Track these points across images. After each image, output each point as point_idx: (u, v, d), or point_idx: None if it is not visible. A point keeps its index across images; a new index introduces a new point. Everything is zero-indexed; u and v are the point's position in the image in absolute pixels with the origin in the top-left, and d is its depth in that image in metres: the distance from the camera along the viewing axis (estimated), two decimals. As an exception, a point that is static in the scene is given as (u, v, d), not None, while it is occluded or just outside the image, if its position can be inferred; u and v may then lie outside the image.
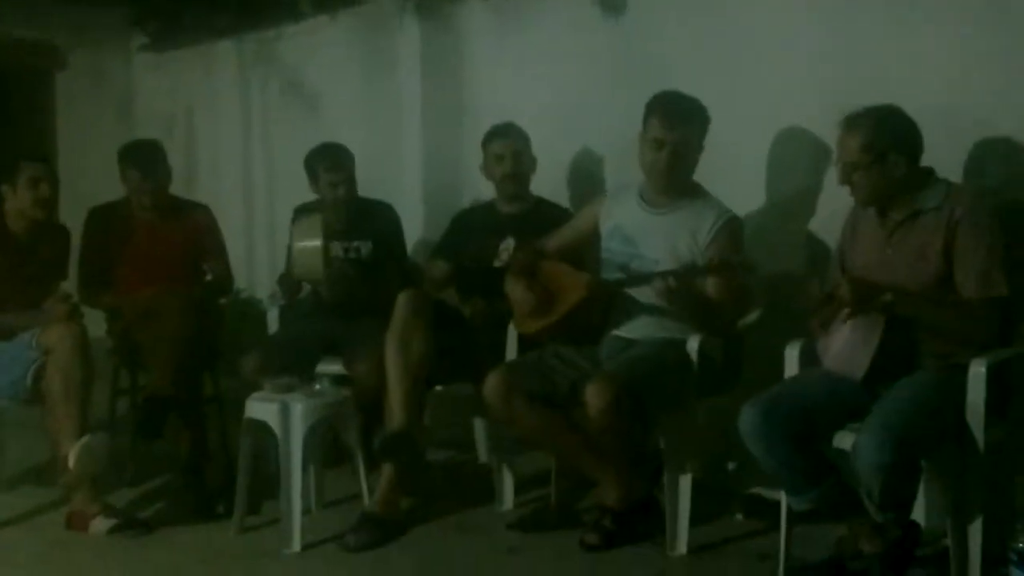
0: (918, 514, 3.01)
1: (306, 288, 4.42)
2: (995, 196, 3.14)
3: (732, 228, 3.47)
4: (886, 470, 2.75)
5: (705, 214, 3.48)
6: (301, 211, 4.40)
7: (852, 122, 3.00)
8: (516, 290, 3.67)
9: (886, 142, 2.95)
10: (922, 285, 2.94)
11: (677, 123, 3.43)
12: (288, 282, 4.26)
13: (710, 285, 3.41)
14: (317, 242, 3.93)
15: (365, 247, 4.30)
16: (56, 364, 3.65)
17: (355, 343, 3.96)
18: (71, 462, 3.57)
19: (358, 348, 3.91)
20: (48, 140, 6.45)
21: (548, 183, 4.27)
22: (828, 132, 3.50)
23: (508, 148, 4.13)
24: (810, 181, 3.72)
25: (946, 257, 2.93)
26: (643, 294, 3.46)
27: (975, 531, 2.85)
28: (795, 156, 3.77)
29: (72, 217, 4.35)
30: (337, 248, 4.23)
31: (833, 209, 3.36)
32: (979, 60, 3.31)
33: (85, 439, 3.57)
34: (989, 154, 3.28)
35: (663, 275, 3.30)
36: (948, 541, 2.90)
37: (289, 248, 4.27)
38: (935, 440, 2.86)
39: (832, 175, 3.19)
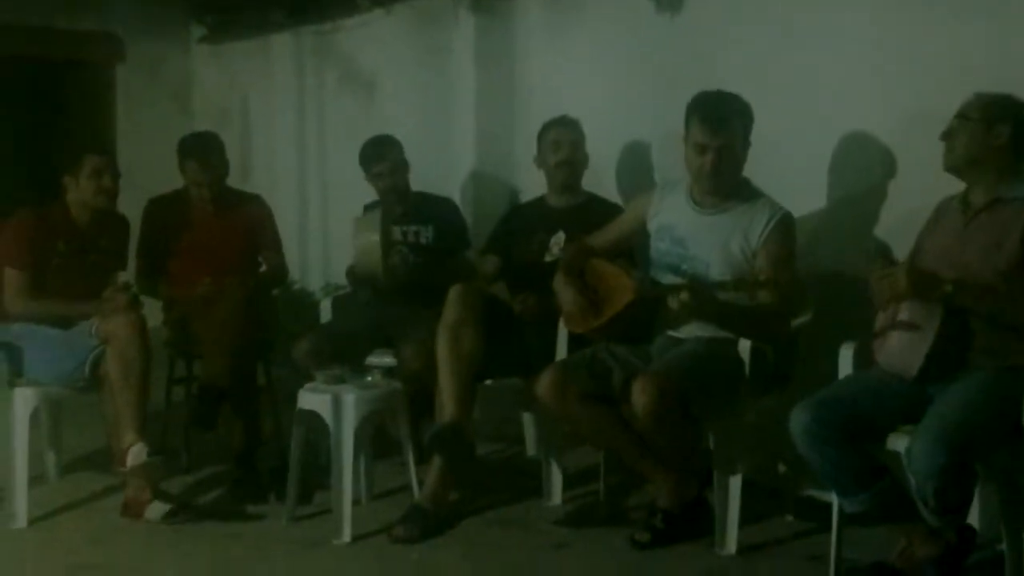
0: (973, 518, 2.96)
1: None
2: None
3: (785, 225, 3.42)
4: (941, 475, 2.71)
5: (757, 213, 3.44)
6: (367, 208, 4.47)
7: (982, 93, 3.00)
8: (565, 292, 3.66)
9: (1000, 112, 2.95)
10: (993, 275, 2.88)
11: (718, 127, 3.38)
12: (355, 274, 4.33)
13: (760, 293, 3.30)
14: (375, 236, 4.00)
15: (426, 233, 4.35)
16: (115, 352, 3.71)
17: (406, 334, 3.99)
18: (129, 462, 3.64)
19: (409, 338, 3.94)
20: (108, 131, 6.55)
21: (598, 178, 4.26)
22: (885, 131, 3.47)
23: (566, 136, 4.14)
24: (872, 184, 3.66)
25: (1022, 248, 2.88)
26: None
27: (1031, 537, 2.81)
28: (856, 158, 3.70)
29: (131, 208, 4.41)
30: (397, 232, 4.28)
31: (902, 213, 3.31)
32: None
33: (147, 458, 3.63)
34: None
35: (675, 288, 3.26)
36: (1003, 546, 2.85)
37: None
38: (990, 444, 2.81)
39: (897, 181, 3.15)
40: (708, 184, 3.47)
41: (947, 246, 3.00)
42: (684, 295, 3.21)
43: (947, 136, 3.02)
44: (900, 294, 2.86)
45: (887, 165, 3.59)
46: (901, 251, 3.25)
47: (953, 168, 3.04)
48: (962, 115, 3.00)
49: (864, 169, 3.67)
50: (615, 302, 3.52)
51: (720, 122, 3.38)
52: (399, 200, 4.39)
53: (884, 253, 3.21)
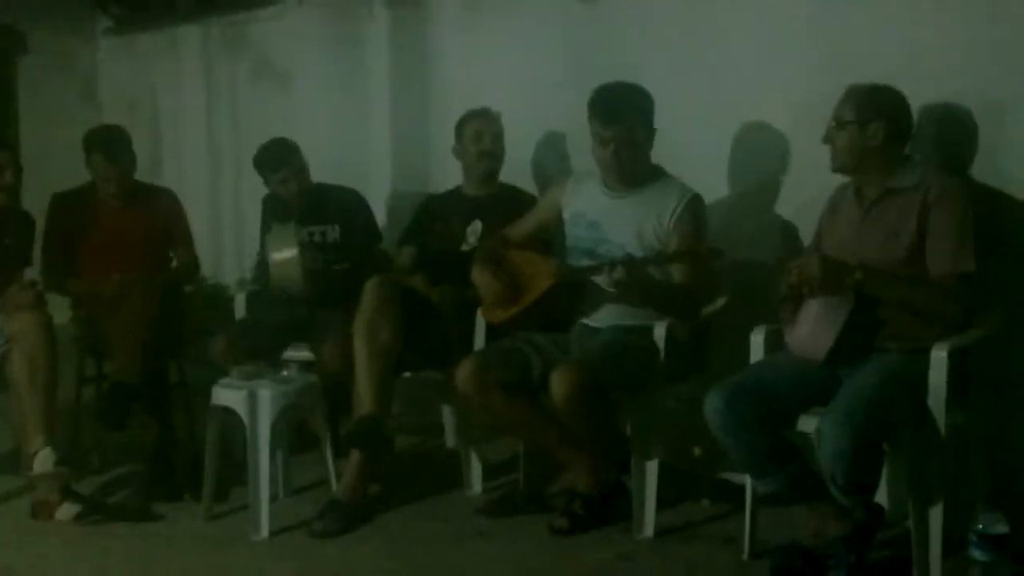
0: (880, 497, 3.04)
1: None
2: (972, 181, 3.17)
3: (695, 207, 3.50)
4: (849, 454, 2.78)
5: (668, 195, 3.51)
6: (268, 201, 4.41)
7: (853, 87, 3.07)
8: (483, 279, 3.67)
9: (874, 110, 3.02)
10: (893, 263, 2.97)
11: (614, 119, 3.45)
12: (259, 276, 4.28)
13: (675, 271, 3.44)
14: (293, 252, 3.96)
15: (332, 232, 4.29)
16: (21, 352, 3.63)
17: (322, 329, 3.95)
18: (36, 468, 3.55)
19: (325, 334, 3.90)
20: (11, 125, 6.37)
21: (514, 170, 4.27)
22: (786, 120, 3.53)
23: (488, 127, 4.14)
24: (774, 171, 3.74)
25: (919, 236, 2.96)
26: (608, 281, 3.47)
27: (936, 514, 2.89)
28: (760, 147, 3.78)
29: (36, 203, 4.31)
30: (303, 233, 4.21)
31: (803, 201, 3.39)
32: (978, 50, 3.30)
33: (53, 466, 3.55)
34: (992, 144, 3.28)
35: (611, 264, 3.32)
36: (910, 523, 2.93)
37: (261, 242, 4.26)
38: (897, 424, 2.89)
39: (797, 169, 3.21)
40: (613, 175, 3.53)
41: (846, 237, 3.08)
42: (619, 272, 3.26)
43: (828, 140, 3.10)
44: (812, 282, 2.93)
45: (787, 153, 3.68)
46: (806, 237, 3.34)
47: (840, 169, 3.13)
48: (837, 120, 3.07)
49: (767, 157, 3.75)
50: (535, 288, 3.54)
51: (615, 114, 3.45)
52: (307, 199, 4.29)
53: (791, 240, 3.27)
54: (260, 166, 4.32)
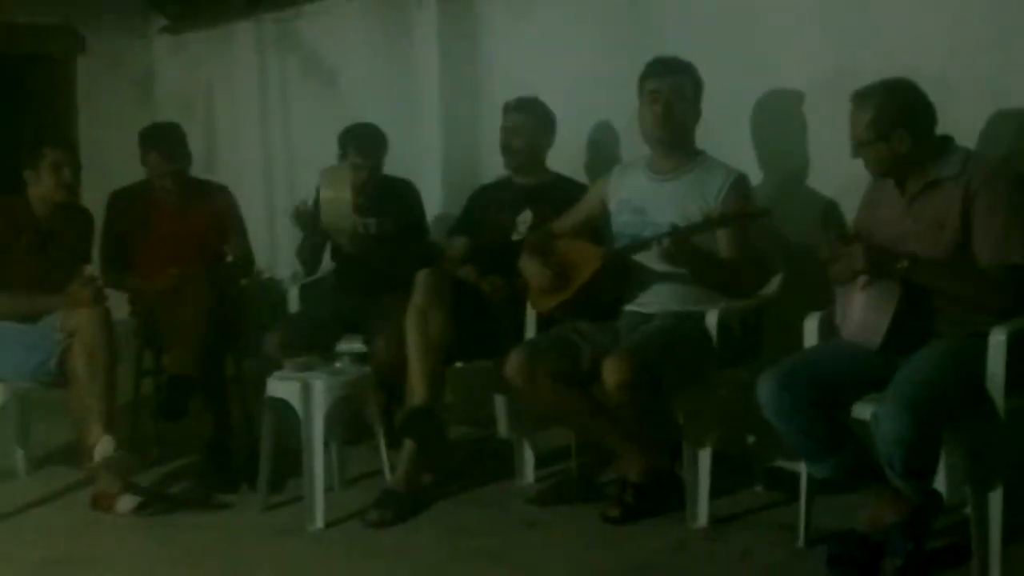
0: (938, 483, 2.99)
1: (327, 266, 4.45)
2: (1012, 165, 3.11)
3: (741, 185, 3.50)
4: (906, 440, 2.74)
5: (713, 176, 3.51)
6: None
7: (860, 98, 2.99)
8: (531, 268, 3.67)
9: (891, 119, 2.94)
10: (940, 254, 2.92)
11: (667, 73, 3.52)
12: (306, 249, 4.29)
13: (721, 241, 3.42)
14: (344, 193, 3.93)
15: (386, 224, 4.31)
16: (81, 346, 3.69)
17: (375, 321, 3.97)
18: (96, 457, 3.61)
19: (378, 325, 3.92)
20: (69, 124, 6.49)
21: (566, 156, 4.26)
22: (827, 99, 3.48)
23: (513, 121, 4.13)
24: (811, 148, 3.72)
25: (964, 225, 2.90)
26: (656, 263, 3.46)
27: (995, 500, 2.84)
28: (792, 122, 3.75)
29: (94, 200, 4.39)
30: (357, 224, 4.23)
31: (852, 175, 3.33)
32: (979, 27, 3.27)
33: (114, 452, 3.61)
34: (992, 124, 3.24)
35: (658, 238, 3.32)
36: (969, 510, 2.88)
37: (316, 195, 4.23)
38: (955, 409, 2.84)
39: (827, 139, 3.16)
40: (660, 134, 3.53)
41: (890, 229, 3.02)
42: (667, 241, 3.28)
43: (856, 156, 3.03)
44: (858, 272, 2.89)
45: (819, 128, 3.66)
46: (848, 212, 3.32)
47: (879, 177, 3.07)
48: (857, 145, 3.00)
49: (803, 135, 3.73)
50: (583, 272, 3.54)
51: (668, 68, 3.53)
52: (361, 189, 4.32)
53: (838, 226, 3.22)
54: (346, 141, 4.28)
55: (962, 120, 3.16)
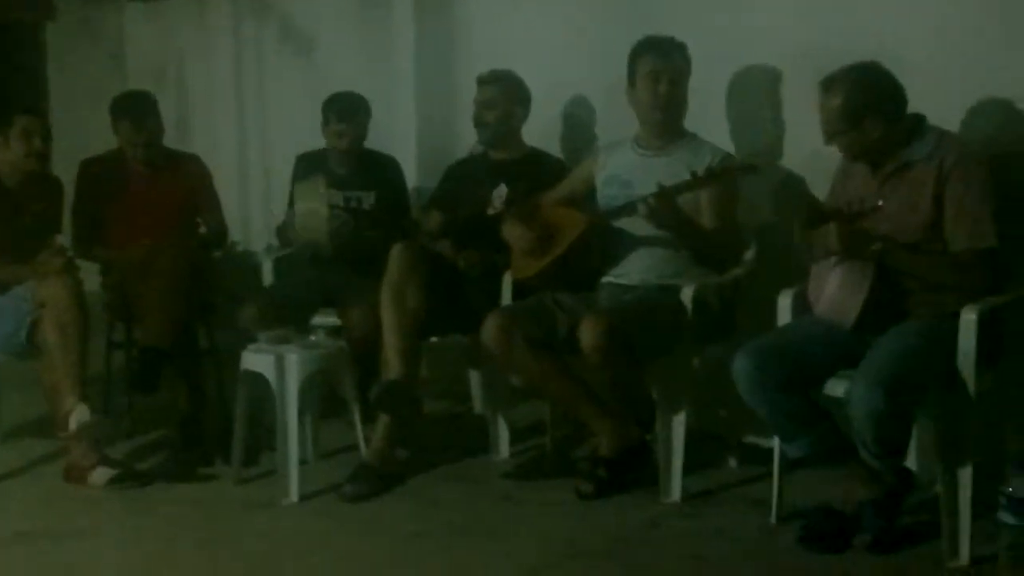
0: (909, 461, 3.03)
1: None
2: (985, 146, 3.13)
3: (727, 163, 3.50)
4: (879, 417, 2.77)
5: (701, 153, 3.54)
6: (302, 160, 4.40)
7: (828, 85, 2.98)
8: (515, 229, 3.68)
9: (861, 106, 2.93)
10: (913, 235, 2.94)
11: (668, 53, 3.53)
12: (286, 234, 4.28)
13: (705, 207, 3.46)
14: (318, 204, 3.96)
15: (367, 198, 4.29)
16: (52, 317, 3.66)
17: (350, 294, 3.96)
18: (71, 425, 3.59)
19: (353, 299, 3.91)
20: (39, 92, 6.39)
21: (540, 131, 4.24)
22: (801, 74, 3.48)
23: (484, 94, 4.10)
24: (778, 123, 3.74)
25: (937, 206, 2.92)
26: (638, 229, 3.47)
27: (965, 476, 2.87)
28: (766, 100, 3.76)
29: (65, 169, 4.33)
30: (338, 197, 4.22)
31: (825, 153, 3.34)
32: (965, 8, 3.27)
33: (90, 417, 3.59)
34: (976, 105, 3.25)
35: (644, 198, 3.34)
36: (939, 487, 2.91)
37: (290, 199, 4.28)
38: (926, 387, 2.87)
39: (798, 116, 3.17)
40: (660, 116, 3.55)
41: (863, 208, 3.01)
42: (652, 199, 3.30)
43: (829, 143, 3.03)
44: (832, 252, 2.90)
45: (783, 102, 3.69)
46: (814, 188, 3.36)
47: (854, 160, 3.07)
48: (829, 133, 2.99)
49: (770, 109, 3.75)
50: (567, 234, 3.55)
51: (671, 49, 3.54)
52: (344, 161, 4.32)
53: (811, 204, 3.23)
54: (329, 109, 4.26)
55: (945, 104, 3.18)
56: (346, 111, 4.24)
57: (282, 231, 4.34)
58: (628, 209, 3.47)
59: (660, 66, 3.52)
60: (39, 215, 4.08)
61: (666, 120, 3.57)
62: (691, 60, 3.57)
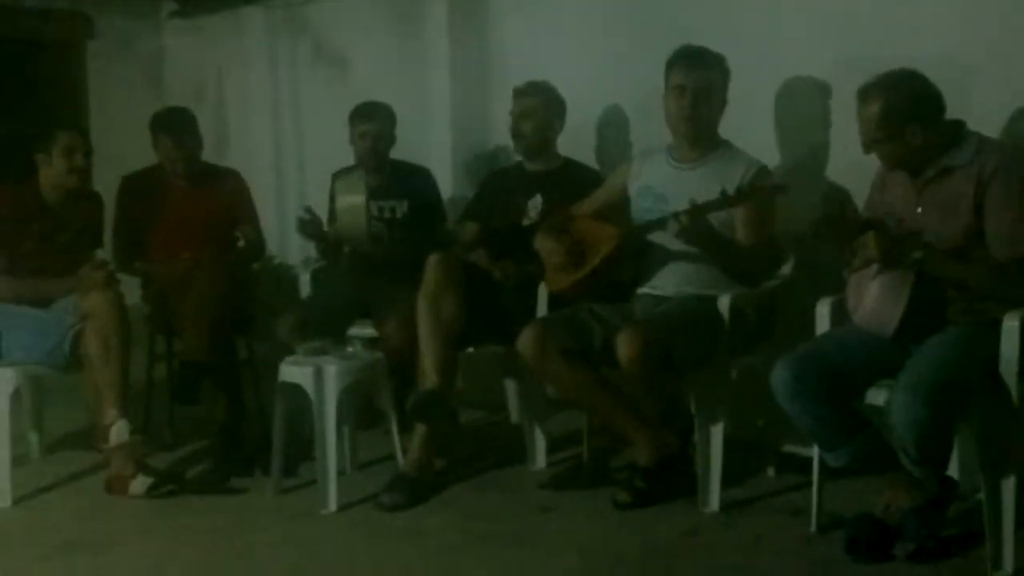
0: (951, 470, 3.00)
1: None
2: (1020, 148, 3.10)
3: (761, 176, 3.49)
4: (921, 426, 2.75)
5: (734, 166, 3.51)
6: (337, 176, 4.46)
7: (866, 95, 2.96)
8: (547, 243, 3.68)
9: (901, 114, 2.91)
10: (953, 242, 2.91)
11: (696, 67, 3.49)
12: (328, 244, 4.33)
13: (739, 223, 3.43)
14: (360, 199, 4.00)
15: (401, 208, 4.33)
16: (94, 330, 3.70)
17: (386, 305, 3.98)
18: (112, 440, 3.63)
19: (389, 310, 3.93)
20: (79, 109, 6.48)
21: (575, 142, 4.25)
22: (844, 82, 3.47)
23: (521, 105, 4.14)
24: (822, 131, 3.72)
25: (977, 213, 2.89)
26: (673, 244, 3.47)
27: (1008, 486, 2.84)
28: (810, 108, 3.75)
29: (105, 185, 4.38)
30: (373, 208, 4.27)
31: (867, 160, 3.33)
32: (1006, 15, 3.26)
33: (130, 437, 3.62)
34: (1018, 111, 3.24)
35: (676, 215, 3.32)
36: (982, 495, 2.88)
37: (330, 209, 4.32)
38: (968, 396, 2.84)
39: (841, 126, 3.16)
40: (685, 128, 3.53)
41: (902, 215, 3.00)
42: (684, 218, 3.28)
43: (869, 152, 3.01)
44: (871, 261, 2.89)
45: (830, 112, 3.67)
46: (856, 197, 3.33)
47: (895, 169, 3.04)
48: (868, 142, 2.97)
49: (814, 119, 3.73)
50: (600, 249, 3.55)
51: (698, 61, 3.49)
52: (376, 170, 4.36)
53: (838, 204, 3.21)
54: (353, 114, 4.38)
55: (985, 107, 3.16)
56: (366, 110, 4.35)
57: (321, 244, 4.37)
58: (659, 224, 3.45)
59: (686, 80, 3.49)
60: (81, 231, 4.13)
61: (694, 133, 3.54)
62: (729, 71, 3.54)
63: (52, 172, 4.00)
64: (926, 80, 2.96)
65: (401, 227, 4.30)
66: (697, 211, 3.31)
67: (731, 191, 3.35)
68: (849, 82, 3.12)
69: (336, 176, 4.46)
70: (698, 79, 3.48)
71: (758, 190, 3.36)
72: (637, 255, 3.57)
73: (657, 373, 3.27)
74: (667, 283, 3.53)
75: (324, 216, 4.50)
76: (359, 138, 4.34)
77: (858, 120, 2.99)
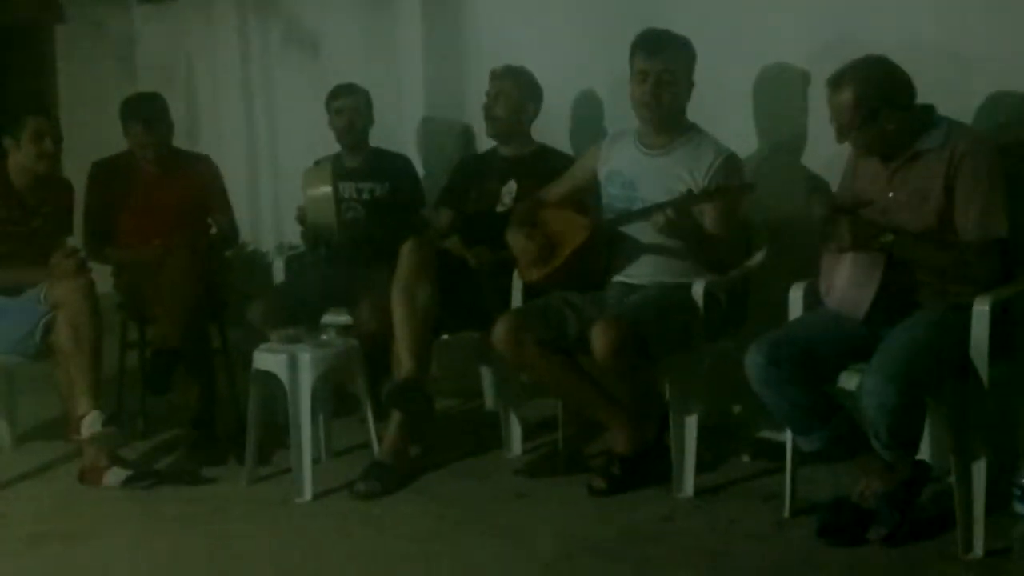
0: (923, 453, 3.02)
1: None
2: (994, 132, 3.12)
3: (730, 165, 3.48)
4: (892, 410, 2.77)
5: (702, 153, 3.49)
6: (306, 171, 4.41)
7: (837, 82, 2.96)
8: (518, 240, 3.67)
9: (874, 99, 2.92)
10: (924, 225, 2.93)
11: (657, 52, 3.47)
12: (310, 235, 4.32)
13: (707, 216, 3.41)
14: (327, 189, 3.98)
15: (380, 189, 4.33)
16: (66, 318, 3.68)
17: (360, 291, 3.96)
18: (84, 432, 3.60)
19: (363, 296, 3.92)
20: (49, 94, 6.42)
21: (549, 126, 4.24)
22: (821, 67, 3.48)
23: (494, 87, 4.13)
24: (801, 118, 3.71)
25: (947, 195, 2.91)
26: (645, 234, 3.46)
27: (979, 468, 2.86)
28: (786, 93, 3.74)
29: (75, 171, 4.34)
30: (350, 189, 4.27)
31: (832, 146, 3.34)
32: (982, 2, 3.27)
33: (102, 428, 3.60)
34: (984, 88, 3.25)
35: (659, 207, 3.31)
36: (953, 479, 2.91)
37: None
38: (939, 379, 2.86)
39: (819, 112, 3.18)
40: (649, 115, 3.51)
41: (873, 199, 3.01)
42: (670, 211, 3.26)
43: (843, 140, 3.02)
44: (843, 245, 2.90)
45: (808, 99, 3.64)
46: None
47: (868, 155, 3.05)
48: (843, 130, 2.97)
49: (792, 105, 3.72)
50: (570, 242, 3.54)
51: (658, 46, 3.48)
52: (353, 151, 4.35)
53: (824, 193, 3.22)
54: (329, 96, 4.43)
55: (967, 93, 3.18)
56: (341, 90, 4.41)
57: (306, 236, 4.38)
58: (640, 215, 3.43)
59: (648, 65, 3.46)
60: (50, 217, 4.09)
61: (658, 118, 3.52)
62: (694, 54, 3.51)
63: (21, 158, 3.97)
64: (895, 65, 2.97)
65: (379, 207, 4.29)
66: (679, 205, 3.28)
67: (697, 190, 3.35)
68: (827, 69, 3.10)
69: (304, 173, 4.43)
70: (659, 64, 3.46)
71: (725, 191, 3.35)
72: (608, 245, 3.56)
73: (633, 365, 3.27)
74: (641, 272, 3.53)
75: (293, 199, 4.48)
76: (335, 115, 4.37)
77: (830, 108, 2.99)
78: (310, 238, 4.37)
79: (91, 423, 3.61)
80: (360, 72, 5.12)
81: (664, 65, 3.46)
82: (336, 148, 4.48)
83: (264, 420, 3.69)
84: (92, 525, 3.39)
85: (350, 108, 4.35)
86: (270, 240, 5.73)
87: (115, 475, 3.63)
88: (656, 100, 3.48)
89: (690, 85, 3.53)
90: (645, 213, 3.41)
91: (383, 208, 4.31)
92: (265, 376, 3.59)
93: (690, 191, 3.34)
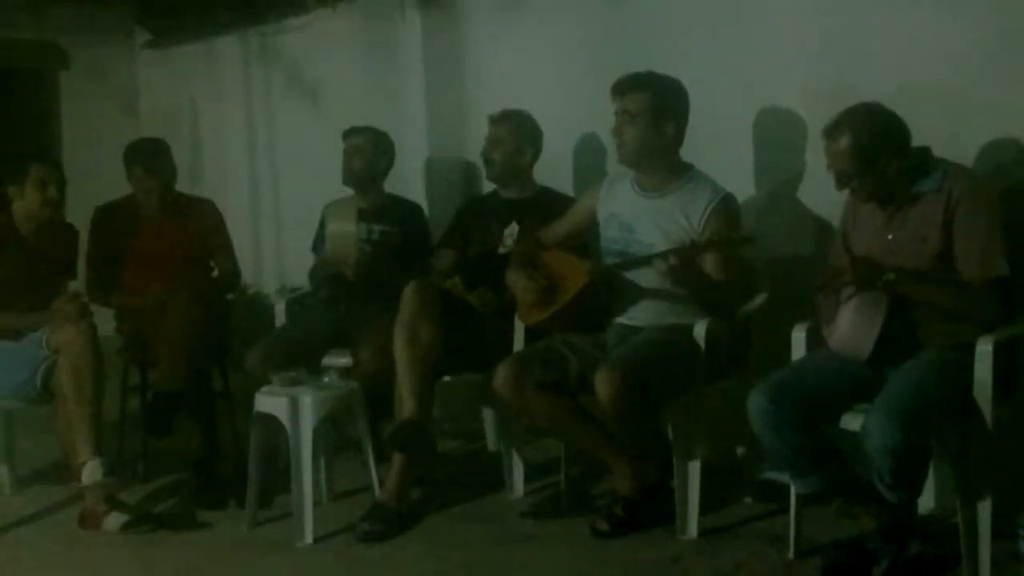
0: (928, 493, 3.01)
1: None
2: (992, 177, 3.13)
3: (727, 207, 3.48)
4: (896, 451, 2.75)
5: (698, 195, 3.49)
6: (331, 204, 4.48)
7: (834, 132, 2.98)
8: (518, 282, 3.67)
9: (873, 147, 2.94)
10: (924, 267, 2.94)
11: (618, 91, 3.49)
12: (320, 272, 4.35)
13: (708, 263, 3.41)
14: (351, 227, 4.07)
15: (391, 232, 4.35)
16: (67, 363, 3.67)
17: (361, 333, 3.96)
18: (85, 480, 3.59)
19: (364, 337, 3.92)
20: (53, 139, 6.47)
21: (551, 169, 4.26)
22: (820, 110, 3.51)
23: (493, 132, 4.16)
24: (800, 161, 3.73)
25: (946, 237, 2.92)
26: (644, 279, 3.46)
27: (984, 508, 2.85)
28: (785, 136, 3.77)
29: (79, 216, 4.36)
30: (362, 229, 4.29)
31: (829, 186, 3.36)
32: (973, 36, 3.30)
33: (102, 478, 3.59)
34: (982, 133, 3.27)
35: (663, 255, 3.31)
36: (958, 518, 2.89)
37: (318, 235, 4.36)
38: (943, 420, 2.86)
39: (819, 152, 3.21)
40: (621, 154, 3.54)
41: (873, 242, 3.04)
42: (673, 259, 3.25)
43: (843, 188, 3.03)
44: (845, 283, 2.90)
45: (808, 142, 3.66)
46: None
47: (870, 201, 3.06)
48: (843, 178, 2.98)
49: (792, 149, 3.74)
50: (570, 287, 3.54)
51: (621, 87, 3.49)
52: (364, 192, 4.38)
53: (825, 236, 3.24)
54: (344, 133, 4.47)
55: (962, 135, 3.20)
56: (354, 130, 4.43)
57: (315, 273, 4.41)
58: (645, 262, 3.42)
59: (617, 106, 3.50)
60: (54, 262, 4.11)
61: (627, 160, 3.53)
62: (667, 93, 3.47)
63: (26, 204, 3.98)
64: (889, 111, 2.99)
65: (388, 249, 4.30)
66: (684, 253, 3.27)
67: (694, 232, 3.37)
68: (825, 111, 3.13)
69: (328, 205, 4.46)
70: (619, 104, 3.48)
71: (726, 242, 3.34)
72: (608, 289, 3.56)
73: (636, 409, 3.25)
74: (641, 314, 3.52)
75: (309, 243, 4.50)
76: (349, 152, 4.40)
77: (828, 157, 3.01)
78: (319, 274, 4.37)
79: (92, 471, 3.59)
80: (362, 116, 5.17)
81: (623, 105, 3.48)
82: (339, 193, 4.49)
83: (265, 463, 3.68)
84: (93, 570, 3.37)
85: (352, 148, 4.38)
86: (272, 283, 5.76)
87: (115, 519, 3.61)
88: (619, 138, 3.50)
89: (664, 128, 3.48)
90: (646, 260, 3.40)
91: (391, 250, 4.32)
92: (266, 419, 3.58)
93: (693, 242, 3.34)
